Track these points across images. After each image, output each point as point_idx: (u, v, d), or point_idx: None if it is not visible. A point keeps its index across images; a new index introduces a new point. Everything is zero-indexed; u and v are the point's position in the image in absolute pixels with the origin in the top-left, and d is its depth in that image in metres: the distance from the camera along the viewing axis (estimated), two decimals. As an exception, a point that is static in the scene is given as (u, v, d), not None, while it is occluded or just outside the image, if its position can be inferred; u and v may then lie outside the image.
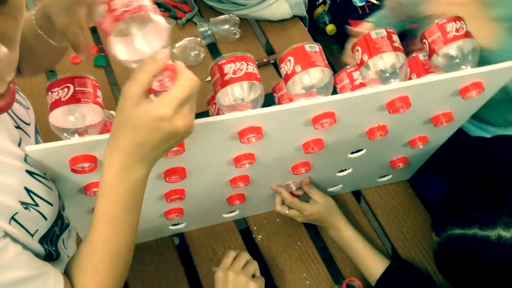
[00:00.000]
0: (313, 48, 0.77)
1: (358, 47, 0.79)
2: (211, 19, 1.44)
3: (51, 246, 0.73)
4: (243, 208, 1.09)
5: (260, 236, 1.12)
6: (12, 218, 0.62)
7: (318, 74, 0.75)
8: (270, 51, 1.45)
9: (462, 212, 0.80)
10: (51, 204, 0.70)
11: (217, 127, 0.73)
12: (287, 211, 1.06)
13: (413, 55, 0.87)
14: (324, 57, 0.77)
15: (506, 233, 0.74)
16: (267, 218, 1.14)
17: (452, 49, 0.77)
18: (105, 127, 0.83)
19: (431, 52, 0.80)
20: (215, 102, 0.84)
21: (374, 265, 1.00)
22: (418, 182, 1.19)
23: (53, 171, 0.71)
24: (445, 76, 0.77)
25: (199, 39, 1.38)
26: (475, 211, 0.78)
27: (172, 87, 0.57)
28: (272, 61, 1.39)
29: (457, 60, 0.78)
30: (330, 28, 1.75)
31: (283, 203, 1.06)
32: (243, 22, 1.46)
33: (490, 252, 0.75)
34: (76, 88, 0.68)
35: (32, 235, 0.66)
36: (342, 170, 1.06)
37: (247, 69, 0.74)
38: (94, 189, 0.77)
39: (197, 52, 1.35)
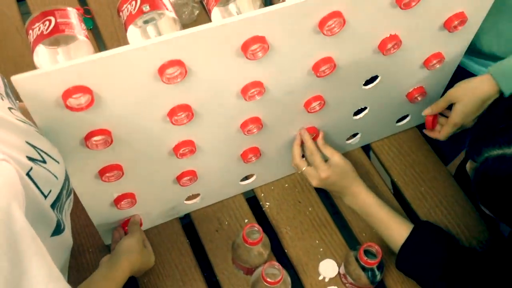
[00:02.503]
0: None
1: None
2: (204, -28, 1.33)
3: (59, 213, 0.65)
4: (259, 171, 1.02)
5: (268, 203, 1.05)
6: (27, 175, 0.54)
7: None
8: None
9: (499, 130, 0.69)
10: (57, 162, 0.62)
11: (218, 35, 0.67)
12: (304, 168, 0.95)
13: None
14: None
15: None
16: (275, 184, 1.07)
17: None
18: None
19: None
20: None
21: (399, 231, 0.91)
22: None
23: (45, 116, 0.65)
24: None
25: (192, -6, 1.27)
26: None
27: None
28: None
29: None
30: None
31: (302, 156, 0.97)
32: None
33: None
34: (58, 20, 0.67)
35: (46, 197, 0.58)
36: (358, 112, 0.99)
37: None
38: (95, 138, 0.71)
39: (190, 9, 1.25)
